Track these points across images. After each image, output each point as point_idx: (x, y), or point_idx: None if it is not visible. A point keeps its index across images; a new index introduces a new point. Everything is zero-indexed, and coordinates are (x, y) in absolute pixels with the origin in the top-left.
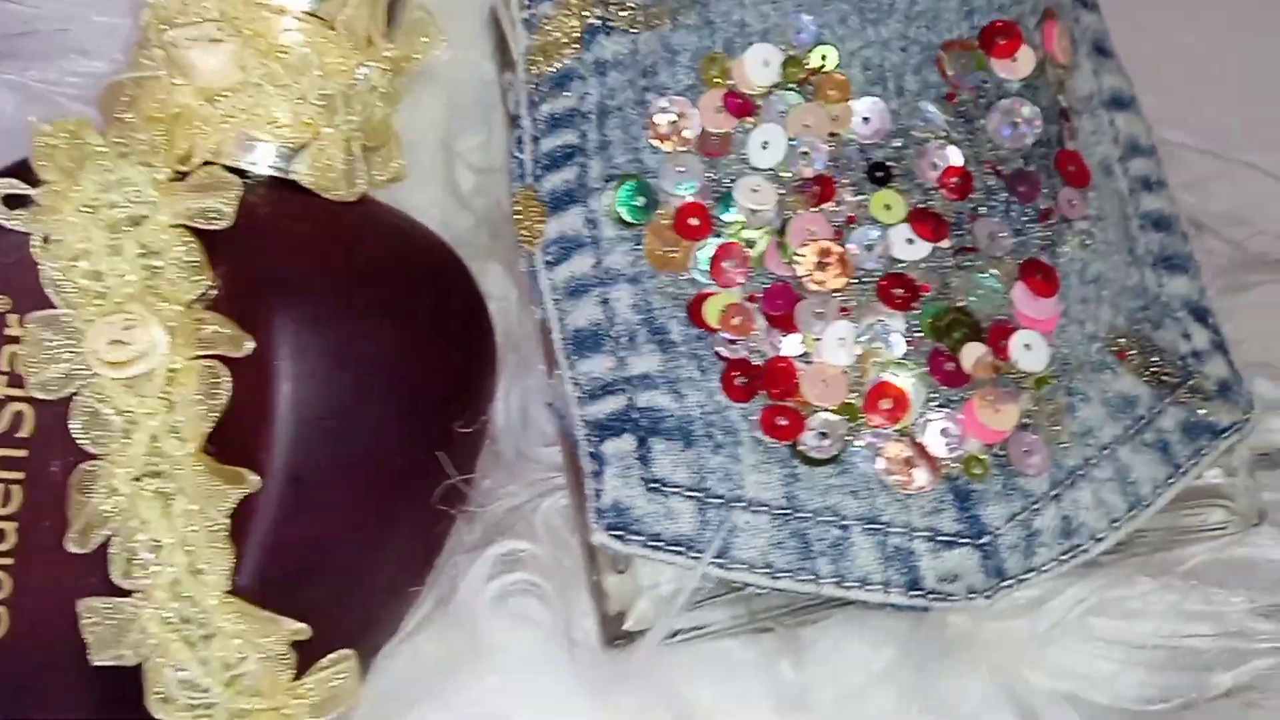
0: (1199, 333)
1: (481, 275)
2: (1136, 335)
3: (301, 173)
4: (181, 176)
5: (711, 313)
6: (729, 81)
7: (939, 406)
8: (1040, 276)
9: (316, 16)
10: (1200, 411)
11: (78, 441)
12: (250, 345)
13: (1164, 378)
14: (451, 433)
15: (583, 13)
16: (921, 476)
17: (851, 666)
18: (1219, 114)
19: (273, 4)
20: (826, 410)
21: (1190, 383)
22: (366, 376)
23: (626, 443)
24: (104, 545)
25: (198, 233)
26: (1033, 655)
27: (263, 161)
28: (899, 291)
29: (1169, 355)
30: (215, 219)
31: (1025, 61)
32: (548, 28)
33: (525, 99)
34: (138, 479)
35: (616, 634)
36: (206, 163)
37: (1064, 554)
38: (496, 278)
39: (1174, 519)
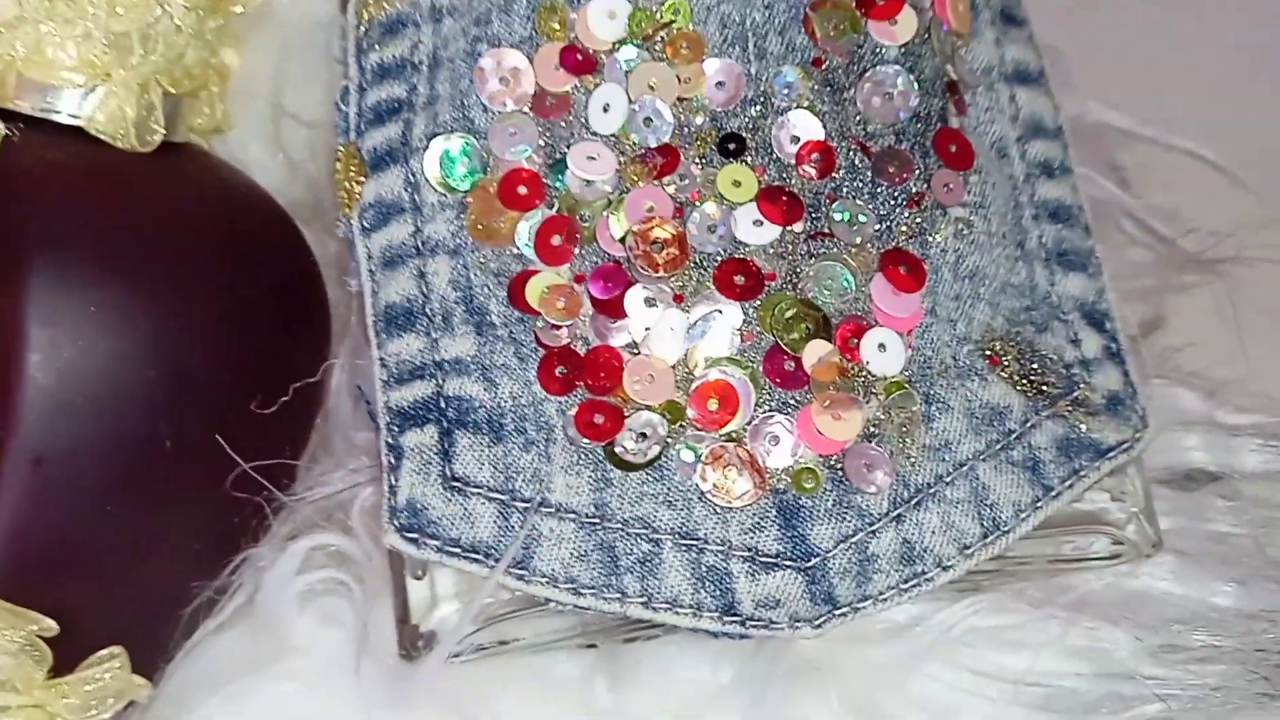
0: (1091, 338)
1: (323, 241)
2: (1015, 339)
3: (86, 119)
4: None
5: (534, 293)
6: (569, 34)
7: (772, 410)
8: (904, 269)
9: None
10: (1082, 427)
11: None
12: None
13: (1044, 387)
14: (252, 414)
15: None
16: (743, 488)
17: (684, 687)
18: (1161, 96)
19: None
20: (649, 408)
21: (1074, 395)
22: (137, 347)
23: (428, 435)
24: None
25: None
26: (892, 684)
27: (61, 107)
28: (740, 279)
29: (1052, 362)
30: None
31: (906, 25)
32: None
33: (353, 45)
34: None
35: (414, 643)
36: None
37: (905, 582)
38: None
39: (1046, 546)
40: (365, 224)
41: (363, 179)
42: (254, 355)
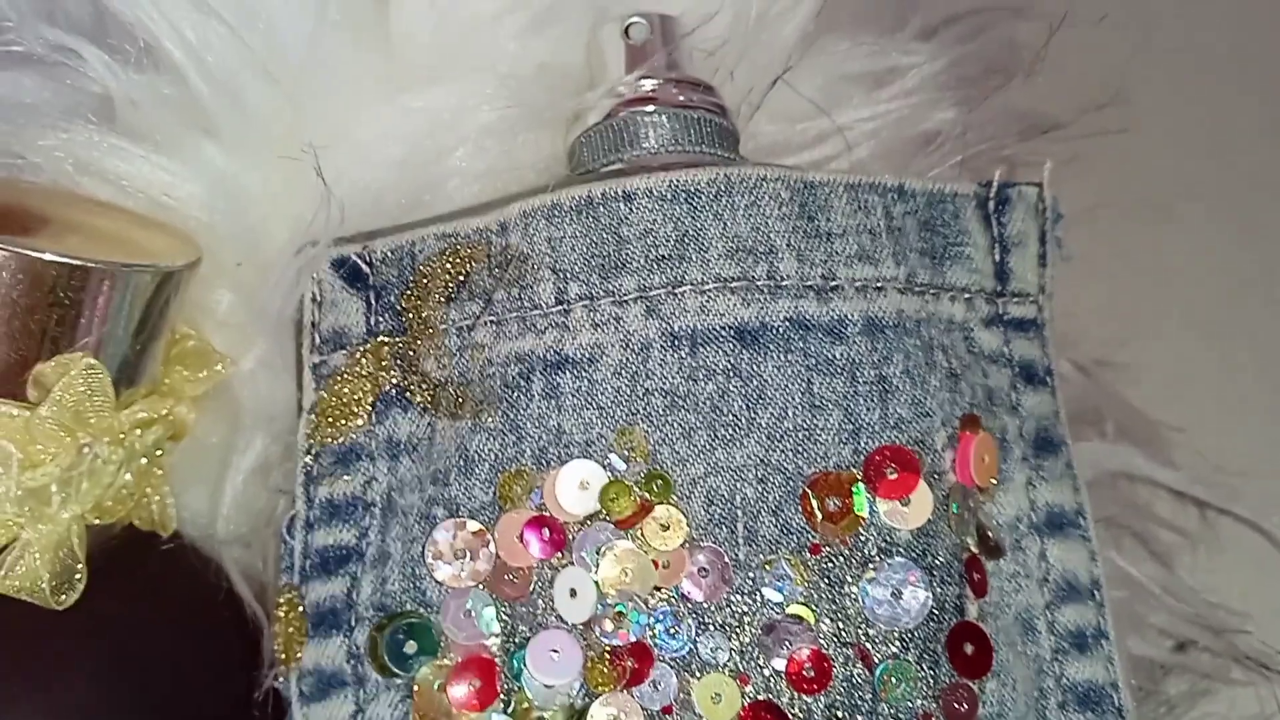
0: None
1: None
2: None
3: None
4: None
5: None
6: (536, 502)
7: None
8: None
9: (14, 400)
10: None
11: None
12: None
13: None
14: None
15: (379, 375)
16: None
17: None
18: (1221, 446)
19: None
20: None
21: None
22: None
23: None
24: None
25: None
26: None
27: None
28: None
29: None
30: None
31: (921, 505)
32: (338, 386)
33: (302, 473)
34: None
35: None
36: None
37: None
38: None
39: None
40: (303, 690)
41: (303, 639)
42: None
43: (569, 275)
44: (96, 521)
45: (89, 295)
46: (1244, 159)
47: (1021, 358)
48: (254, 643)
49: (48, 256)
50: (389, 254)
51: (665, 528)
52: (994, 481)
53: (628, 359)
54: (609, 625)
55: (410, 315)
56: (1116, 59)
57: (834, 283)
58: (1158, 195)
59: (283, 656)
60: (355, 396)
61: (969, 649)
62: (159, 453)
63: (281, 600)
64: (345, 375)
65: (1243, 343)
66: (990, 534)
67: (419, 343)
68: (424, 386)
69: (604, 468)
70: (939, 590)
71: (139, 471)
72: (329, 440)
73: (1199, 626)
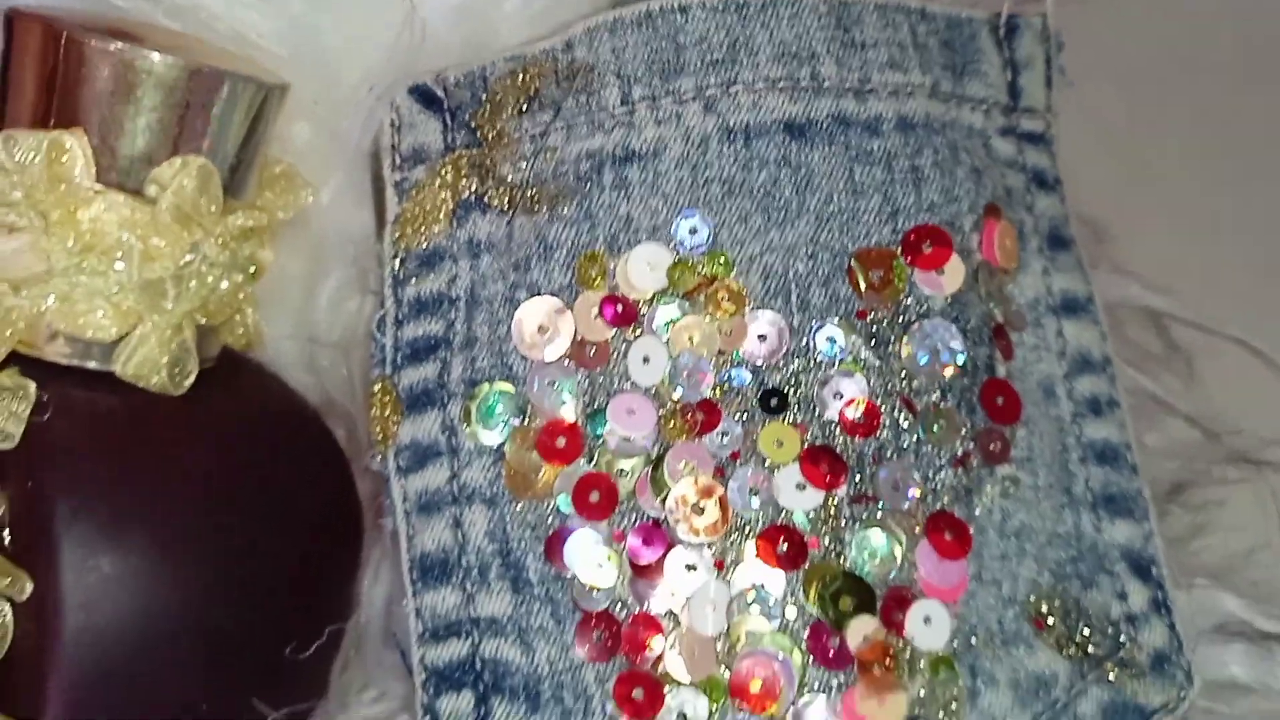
0: (1138, 591)
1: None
2: (1061, 597)
3: (119, 367)
4: None
5: (572, 553)
6: (610, 283)
7: (815, 691)
8: (949, 535)
9: (135, 196)
10: (1127, 690)
11: None
12: (29, 588)
13: (1089, 649)
14: (285, 666)
15: (458, 184)
16: None
17: None
18: (1217, 282)
19: (84, 186)
20: (690, 685)
21: (1120, 655)
22: (166, 617)
23: (464, 701)
24: None
25: None
26: None
27: (93, 357)
28: (783, 547)
29: (1097, 621)
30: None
31: (954, 274)
32: (420, 196)
33: (390, 276)
34: None
35: None
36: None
37: None
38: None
39: None
40: (401, 464)
41: (399, 418)
42: (289, 598)
43: (632, 79)
44: (203, 321)
45: (204, 99)
46: (1230, 30)
47: (1034, 165)
48: (336, 464)
49: (170, 58)
50: (461, 79)
51: (727, 299)
52: (1015, 265)
53: (688, 151)
54: (680, 386)
55: (485, 129)
56: None
57: (869, 86)
58: (1139, 64)
59: (380, 438)
60: (436, 204)
61: (1000, 400)
62: (252, 269)
63: (375, 389)
64: (426, 187)
65: (1225, 215)
66: (1015, 306)
67: (495, 152)
68: (501, 190)
69: (669, 249)
70: (972, 350)
71: (235, 284)
72: (413, 245)
73: (1197, 429)
